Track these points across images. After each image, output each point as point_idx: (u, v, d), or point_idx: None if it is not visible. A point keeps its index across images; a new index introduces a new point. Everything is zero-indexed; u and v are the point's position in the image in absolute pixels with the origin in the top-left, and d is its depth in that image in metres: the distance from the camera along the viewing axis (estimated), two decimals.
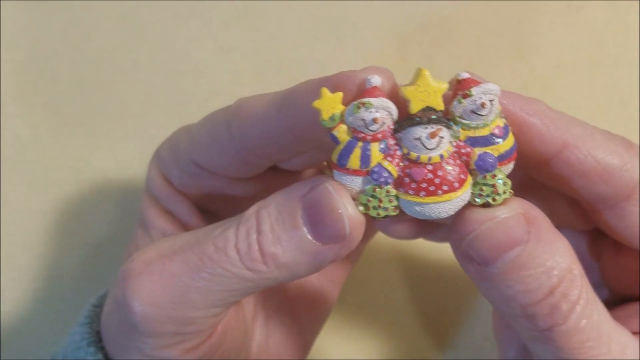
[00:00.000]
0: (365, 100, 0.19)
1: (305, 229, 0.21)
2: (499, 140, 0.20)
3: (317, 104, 0.19)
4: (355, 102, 0.19)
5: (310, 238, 0.21)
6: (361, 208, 0.20)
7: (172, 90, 0.35)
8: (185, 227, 0.26)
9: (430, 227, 0.27)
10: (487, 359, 0.36)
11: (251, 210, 0.22)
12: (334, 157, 0.20)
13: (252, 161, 0.24)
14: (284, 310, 0.29)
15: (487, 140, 0.20)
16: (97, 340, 0.25)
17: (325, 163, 0.27)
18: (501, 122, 0.21)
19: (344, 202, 0.20)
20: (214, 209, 0.27)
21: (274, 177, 0.26)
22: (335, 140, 0.20)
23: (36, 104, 0.36)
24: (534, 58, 0.35)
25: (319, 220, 0.20)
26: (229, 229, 0.21)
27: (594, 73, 0.35)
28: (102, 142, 0.36)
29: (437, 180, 0.20)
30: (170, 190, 0.26)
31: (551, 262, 0.20)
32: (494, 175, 0.20)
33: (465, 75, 0.20)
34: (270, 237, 0.21)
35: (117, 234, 0.36)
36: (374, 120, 0.19)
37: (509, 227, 0.20)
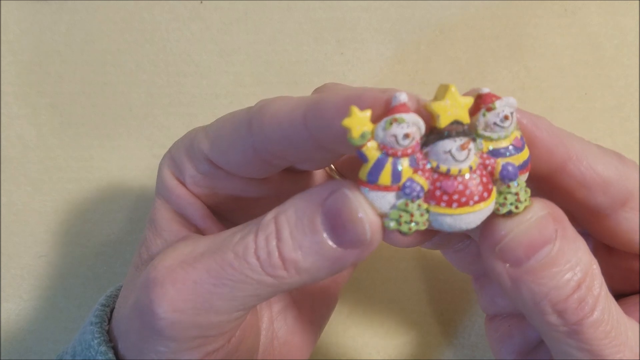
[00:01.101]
0: (398, 116, 0.20)
1: (325, 235, 0.21)
2: (519, 151, 0.21)
3: (346, 122, 0.19)
4: (387, 119, 0.20)
5: (331, 243, 0.21)
6: (392, 224, 0.20)
7: (175, 92, 0.35)
8: (198, 230, 0.26)
9: (431, 235, 0.27)
10: (486, 359, 0.36)
11: (269, 216, 0.22)
12: (363, 174, 0.20)
13: (270, 161, 0.24)
14: (287, 310, 0.29)
15: (508, 151, 0.21)
16: (107, 339, 0.25)
17: (332, 167, 0.27)
18: (518, 134, 0.21)
19: (364, 206, 0.20)
20: (225, 210, 0.27)
21: (286, 178, 0.27)
22: (364, 158, 0.20)
23: (40, 105, 0.36)
24: (530, 60, 0.35)
25: (339, 225, 0.20)
26: (248, 235, 0.21)
27: (590, 75, 0.35)
28: (105, 143, 0.36)
29: (468, 192, 0.20)
30: (183, 192, 0.26)
31: (576, 258, 0.21)
32: (517, 184, 0.21)
33: (487, 90, 0.21)
34: (290, 243, 0.21)
35: (121, 234, 0.36)
36: (406, 136, 0.20)
37: (542, 227, 0.21)
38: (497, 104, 0.21)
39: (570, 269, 0.21)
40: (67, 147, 0.36)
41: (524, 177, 0.22)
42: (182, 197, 0.25)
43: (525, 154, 0.21)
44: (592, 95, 0.35)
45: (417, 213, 0.20)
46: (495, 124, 0.21)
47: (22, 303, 0.36)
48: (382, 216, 0.21)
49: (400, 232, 0.21)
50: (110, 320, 0.26)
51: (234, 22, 0.35)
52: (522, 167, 0.21)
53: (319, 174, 0.28)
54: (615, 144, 0.35)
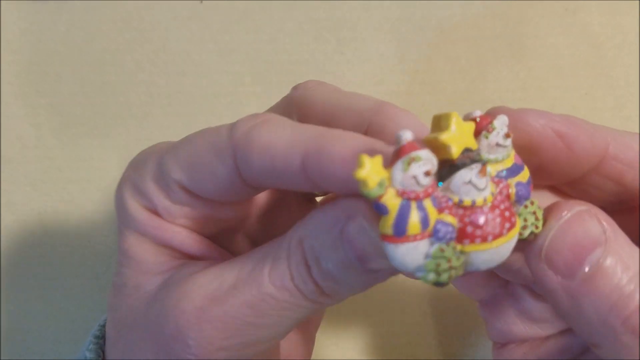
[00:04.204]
0: (414, 154, 0.18)
1: (356, 262, 0.20)
2: (521, 168, 0.20)
3: (360, 175, 0.17)
4: (404, 159, 0.18)
5: (363, 268, 0.20)
6: (431, 276, 0.18)
7: (174, 92, 0.35)
8: (191, 257, 0.24)
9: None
10: (485, 359, 0.36)
11: (294, 241, 0.20)
12: (387, 229, 0.18)
13: (258, 187, 0.22)
14: None
15: (513, 171, 0.20)
16: None
17: None
18: (513, 152, 0.20)
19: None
20: (210, 234, 0.25)
21: (275, 194, 0.25)
22: (383, 210, 0.18)
23: (39, 105, 0.36)
24: (531, 60, 0.35)
25: (365, 255, 0.19)
26: (280, 262, 0.20)
27: (591, 74, 0.35)
28: (104, 143, 0.36)
29: (498, 220, 0.19)
30: (161, 223, 0.23)
31: (635, 263, 0.19)
32: (532, 203, 0.20)
33: (479, 113, 0.20)
34: (325, 270, 0.20)
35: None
36: (427, 174, 0.18)
37: (585, 223, 0.19)
38: (496, 123, 0.19)
39: (633, 277, 0.18)
40: (66, 147, 0.36)
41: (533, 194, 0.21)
42: (163, 228, 0.23)
43: (527, 170, 0.20)
44: (592, 95, 0.35)
45: (454, 257, 0.18)
46: (497, 144, 0.19)
47: (22, 303, 0.36)
48: (415, 271, 0.18)
49: (438, 283, 0.18)
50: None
51: (233, 21, 0.35)
52: (529, 184, 0.20)
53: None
54: None
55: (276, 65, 0.35)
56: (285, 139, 0.20)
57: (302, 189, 0.21)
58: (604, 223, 0.19)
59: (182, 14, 0.35)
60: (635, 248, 0.19)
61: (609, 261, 0.18)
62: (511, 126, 0.20)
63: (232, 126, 0.21)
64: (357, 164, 0.17)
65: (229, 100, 0.36)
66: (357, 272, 0.20)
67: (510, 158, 0.20)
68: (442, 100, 0.35)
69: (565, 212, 0.19)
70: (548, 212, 0.20)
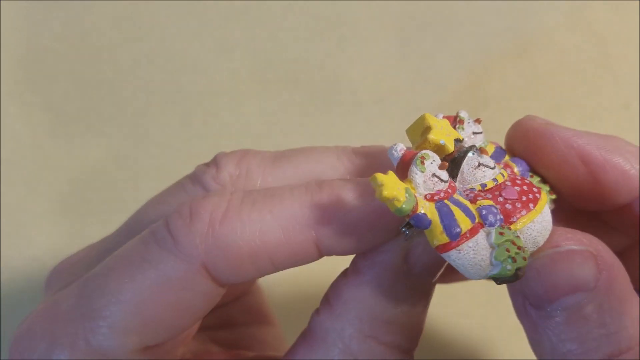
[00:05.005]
0: (422, 153, 0.17)
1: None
2: (504, 153, 0.20)
3: (385, 193, 0.15)
4: (415, 161, 0.17)
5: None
6: (509, 268, 0.16)
7: (171, 89, 0.35)
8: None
9: None
10: (489, 359, 0.36)
11: None
12: (441, 237, 0.16)
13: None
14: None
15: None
16: None
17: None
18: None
19: None
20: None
21: None
22: (423, 221, 0.16)
23: (34, 103, 0.36)
24: (536, 57, 0.35)
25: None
26: None
27: (597, 73, 0.35)
28: (100, 142, 0.36)
29: (525, 187, 0.18)
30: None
31: (617, 324, 0.17)
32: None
33: (442, 115, 0.19)
34: None
35: None
36: (442, 168, 0.17)
37: (575, 263, 0.17)
38: (462, 115, 0.19)
39: (605, 336, 0.17)
40: (61, 145, 0.36)
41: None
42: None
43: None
44: (598, 94, 0.35)
45: (516, 239, 0.17)
46: (474, 133, 0.19)
47: (22, 304, 0.36)
48: (490, 271, 0.17)
49: (518, 273, 0.17)
50: None
51: (232, 18, 0.35)
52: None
53: None
54: None
55: (275, 63, 0.35)
56: (269, 250, 0.17)
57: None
58: (603, 269, 0.17)
59: (179, 11, 0.35)
60: (630, 309, 0.17)
61: (588, 309, 0.17)
62: (532, 143, 0.19)
63: (180, 238, 0.17)
64: (373, 186, 0.16)
65: (227, 98, 0.35)
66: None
67: (490, 144, 0.19)
68: (446, 99, 0.35)
69: (559, 246, 0.17)
70: (550, 235, 0.18)
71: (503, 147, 0.20)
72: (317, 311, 0.19)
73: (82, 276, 0.18)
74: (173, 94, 0.35)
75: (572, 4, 0.35)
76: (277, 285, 0.34)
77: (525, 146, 0.20)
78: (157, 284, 0.17)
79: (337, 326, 0.18)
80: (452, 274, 0.23)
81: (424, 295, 0.19)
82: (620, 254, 0.19)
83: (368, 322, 0.18)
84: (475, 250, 0.16)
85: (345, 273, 0.19)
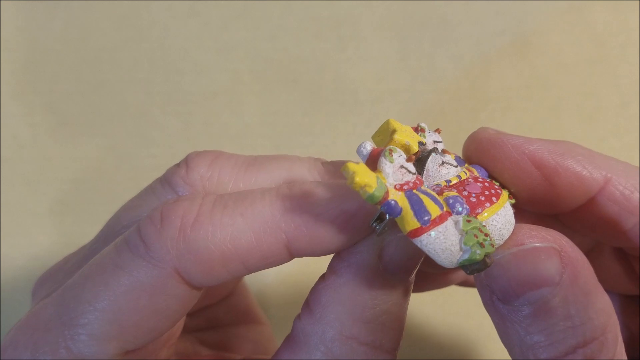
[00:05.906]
0: (389, 147, 0.17)
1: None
2: (464, 162, 0.20)
3: (357, 181, 0.16)
4: (384, 153, 0.17)
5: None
6: (478, 252, 0.17)
7: (172, 90, 0.35)
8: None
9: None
10: (489, 359, 0.36)
11: None
12: (411, 223, 0.17)
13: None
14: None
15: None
16: None
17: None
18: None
19: None
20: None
21: None
22: (395, 208, 0.17)
23: (35, 104, 0.36)
24: (535, 58, 0.35)
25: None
26: None
27: (595, 73, 0.35)
28: (101, 142, 0.35)
29: (487, 184, 0.18)
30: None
31: (582, 316, 0.17)
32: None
33: (416, 126, 0.20)
34: None
35: None
36: (411, 159, 0.18)
37: (539, 259, 0.17)
38: (422, 124, 0.19)
39: (571, 328, 0.17)
40: (62, 146, 0.36)
41: None
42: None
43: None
44: (597, 94, 0.35)
45: (482, 227, 0.17)
46: (435, 141, 0.20)
47: (22, 304, 0.36)
48: (460, 256, 0.17)
49: (486, 260, 0.17)
50: None
51: (232, 18, 0.35)
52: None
53: None
54: (621, 142, 0.35)
55: (275, 63, 0.35)
56: (239, 253, 0.17)
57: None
58: (567, 264, 0.17)
59: (180, 11, 0.35)
60: (595, 301, 0.18)
61: (551, 303, 0.17)
62: (486, 151, 0.20)
63: (151, 244, 0.17)
64: (345, 175, 0.16)
65: (227, 99, 0.35)
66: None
67: (450, 152, 0.20)
68: (445, 99, 0.35)
69: (523, 244, 0.18)
70: (514, 233, 0.18)
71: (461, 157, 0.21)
72: (298, 316, 0.19)
73: (62, 285, 0.19)
74: (174, 95, 0.35)
75: (570, 4, 0.35)
76: (276, 285, 0.34)
77: (480, 156, 0.20)
78: (131, 290, 0.17)
79: (318, 329, 0.18)
80: (428, 280, 0.24)
81: (402, 294, 0.19)
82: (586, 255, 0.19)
83: (348, 324, 0.18)
84: (445, 235, 0.17)
85: (323, 276, 0.19)
